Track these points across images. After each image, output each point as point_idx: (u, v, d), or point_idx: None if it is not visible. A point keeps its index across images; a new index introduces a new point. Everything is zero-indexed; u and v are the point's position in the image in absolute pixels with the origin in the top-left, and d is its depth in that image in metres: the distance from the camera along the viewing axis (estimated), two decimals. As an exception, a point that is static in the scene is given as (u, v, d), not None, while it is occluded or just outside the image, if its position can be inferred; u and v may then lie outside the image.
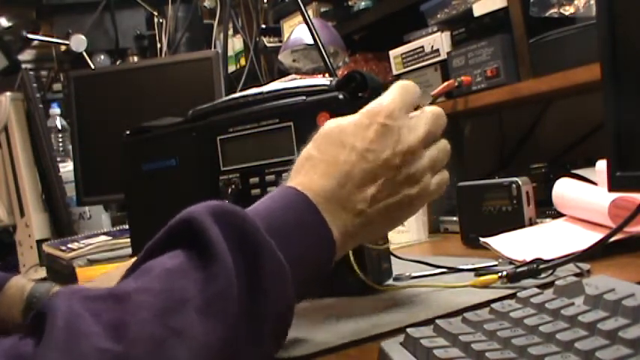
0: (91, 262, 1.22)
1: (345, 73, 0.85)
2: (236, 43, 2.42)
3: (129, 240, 1.00)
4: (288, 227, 0.53)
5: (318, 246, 0.56)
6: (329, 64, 1.34)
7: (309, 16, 1.38)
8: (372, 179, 0.59)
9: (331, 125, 0.62)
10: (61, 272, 1.25)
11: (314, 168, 0.59)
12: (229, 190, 0.83)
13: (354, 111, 0.79)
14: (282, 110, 0.81)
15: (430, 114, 0.63)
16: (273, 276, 0.49)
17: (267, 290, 0.48)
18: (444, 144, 0.64)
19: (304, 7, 1.40)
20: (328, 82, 0.81)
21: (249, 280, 0.47)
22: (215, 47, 2.44)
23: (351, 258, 0.74)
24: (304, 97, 0.80)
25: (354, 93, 0.78)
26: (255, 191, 0.82)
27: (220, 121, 0.85)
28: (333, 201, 0.57)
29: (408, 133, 0.61)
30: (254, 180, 0.83)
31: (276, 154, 0.81)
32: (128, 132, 0.96)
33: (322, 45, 1.35)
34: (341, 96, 0.79)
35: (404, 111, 0.62)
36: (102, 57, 2.80)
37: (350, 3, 1.71)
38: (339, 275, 0.77)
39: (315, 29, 1.36)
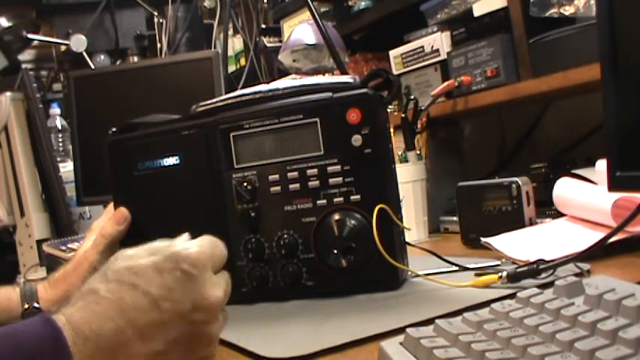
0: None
1: (370, 71, 0.84)
2: (236, 43, 2.42)
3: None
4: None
5: None
6: (340, 60, 1.33)
7: (316, 12, 1.37)
8: (161, 332, 0.50)
9: (124, 262, 0.53)
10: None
11: (94, 304, 0.49)
12: (244, 188, 0.81)
13: (383, 108, 0.77)
14: (307, 106, 0.79)
15: (228, 277, 0.57)
16: None
17: None
18: (226, 313, 0.57)
19: (306, 7, 1.39)
20: (351, 80, 0.80)
21: None
22: (215, 47, 2.44)
23: (382, 250, 0.74)
24: (331, 94, 0.79)
25: (379, 91, 0.78)
26: (276, 189, 0.81)
27: (233, 117, 0.82)
28: (103, 348, 0.48)
29: (211, 289, 0.53)
30: (274, 177, 0.81)
31: (300, 150, 0.80)
32: (114, 129, 0.90)
33: (331, 41, 1.34)
34: (371, 92, 0.78)
35: (210, 265, 0.54)
36: (102, 57, 2.81)
37: (350, 3, 1.71)
38: (364, 271, 0.77)
39: (323, 26, 1.35)
